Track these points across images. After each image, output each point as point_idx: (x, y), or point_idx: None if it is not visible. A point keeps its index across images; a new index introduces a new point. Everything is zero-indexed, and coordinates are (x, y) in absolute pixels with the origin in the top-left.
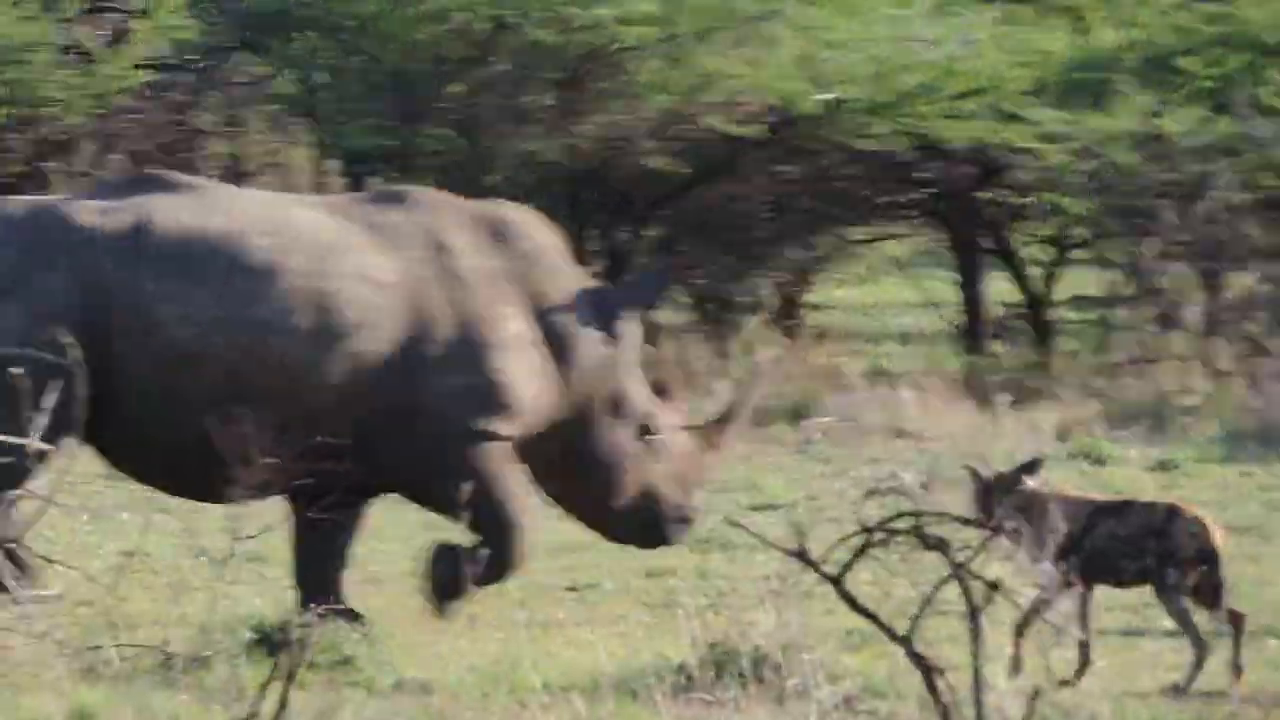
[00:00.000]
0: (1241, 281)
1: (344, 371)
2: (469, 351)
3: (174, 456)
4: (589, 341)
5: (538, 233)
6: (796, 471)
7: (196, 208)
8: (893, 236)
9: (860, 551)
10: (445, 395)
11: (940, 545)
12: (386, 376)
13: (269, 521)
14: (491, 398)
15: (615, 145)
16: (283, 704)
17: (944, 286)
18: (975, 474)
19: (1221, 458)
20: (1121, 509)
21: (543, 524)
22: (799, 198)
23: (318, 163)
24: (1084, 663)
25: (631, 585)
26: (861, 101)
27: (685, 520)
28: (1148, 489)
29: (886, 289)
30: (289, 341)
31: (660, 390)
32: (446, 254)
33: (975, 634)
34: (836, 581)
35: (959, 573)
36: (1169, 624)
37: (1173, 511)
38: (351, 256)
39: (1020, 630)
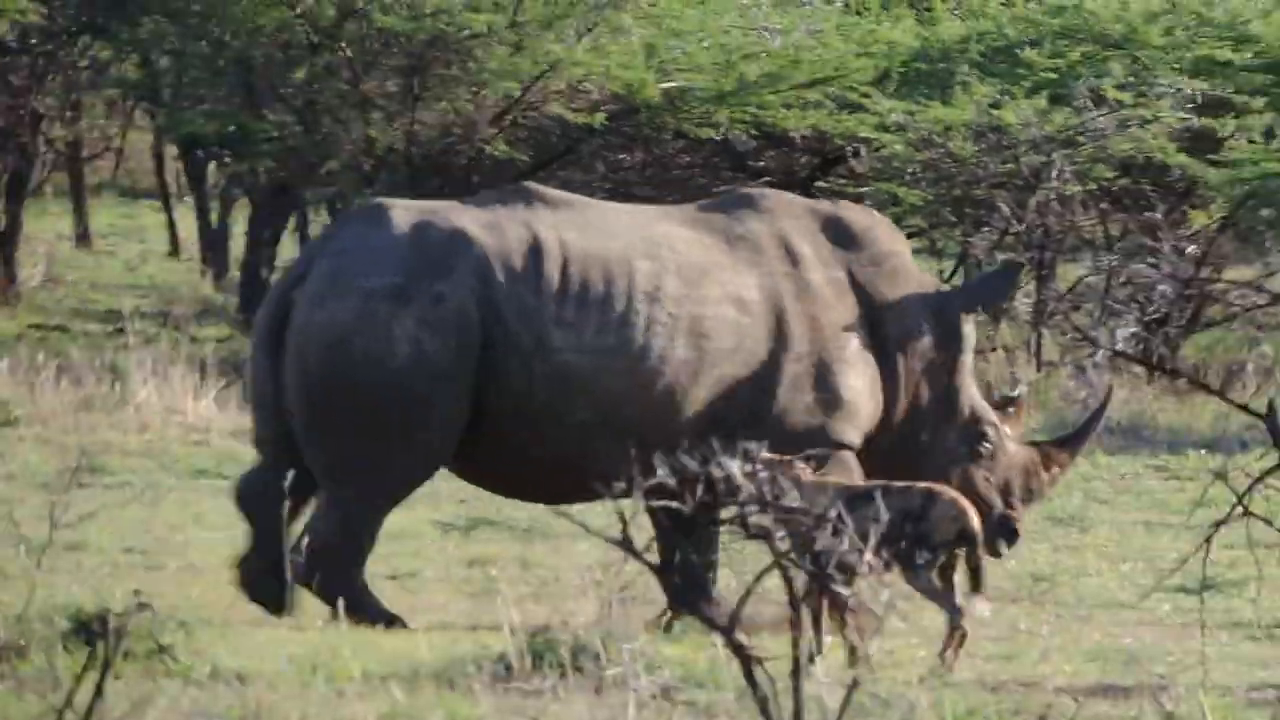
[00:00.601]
0: (1072, 273)
1: (713, 397)
2: (819, 367)
3: (545, 475)
4: (928, 344)
5: (881, 236)
6: None
7: (581, 227)
8: None
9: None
10: (795, 411)
11: (763, 534)
12: (746, 396)
13: (88, 510)
14: (838, 414)
15: (456, 132)
16: (98, 693)
17: None
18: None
19: None
20: (866, 496)
21: None
22: (637, 185)
23: (157, 147)
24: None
25: (452, 574)
26: (705, 90)
27: (1010, 532)
28: None
29: None
30: (669, 370)
31: (1008, 402)
32: (799, 264)
33: (795, 624)
34: (659, 571)
35: (781, 562)
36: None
37: (930, 495)
38: (720, 277)
39: (815, 616)
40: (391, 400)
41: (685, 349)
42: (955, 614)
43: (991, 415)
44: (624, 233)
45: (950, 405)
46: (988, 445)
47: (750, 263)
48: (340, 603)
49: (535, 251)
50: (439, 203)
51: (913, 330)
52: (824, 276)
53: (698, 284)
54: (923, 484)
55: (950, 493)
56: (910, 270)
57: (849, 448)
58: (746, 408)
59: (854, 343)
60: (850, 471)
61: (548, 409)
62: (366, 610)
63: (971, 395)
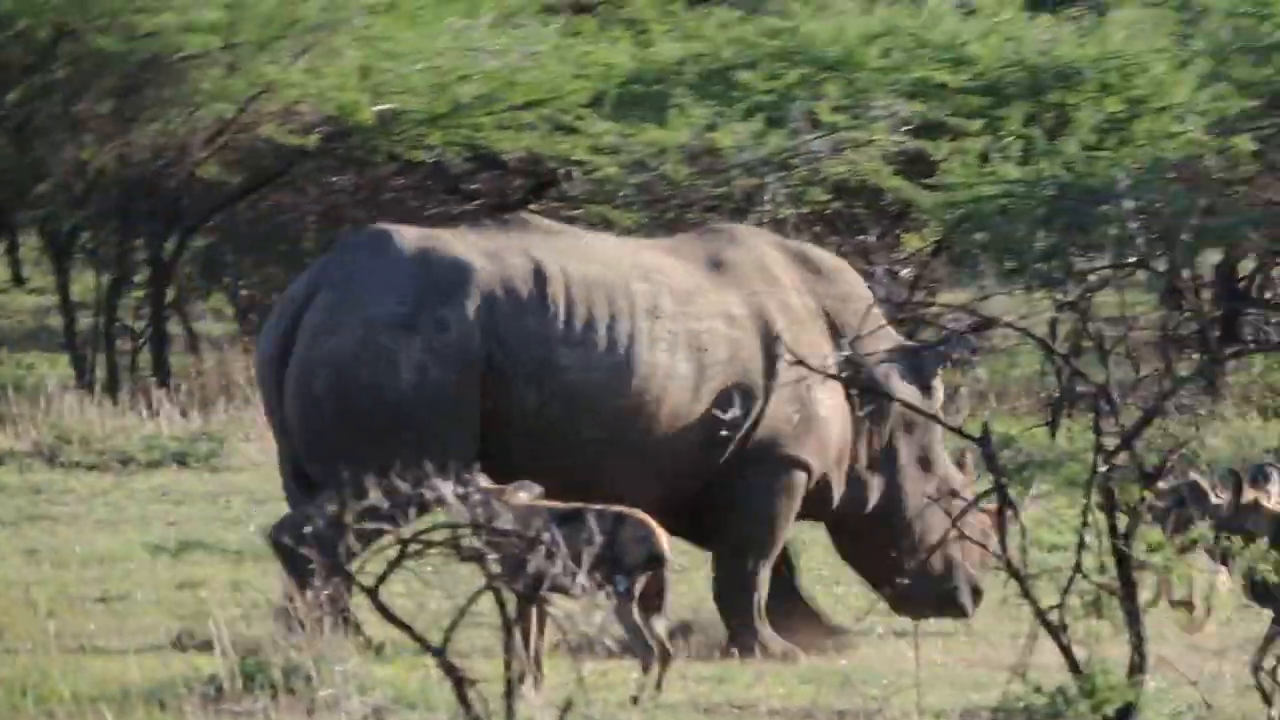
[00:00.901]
0: None
1: (710, 410)
2: (797, 385)
3: (557, 494)
4: (903, 395)
5: (850, 279)
6: None
7: (578, 254)
8: None
9: (395, 563)
10: (773, 425)
11: (476, 557)
12: (740, 406)
13: None
14: (810, 431)
15: (168, 154)
16: None
17: None
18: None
19: None
20: (575, 517)
21: (73, 536)
22: (349, 208)
23: None
24: (527, 675)
25: (163, 597)
26: (419, 112)
27: (978, 593)
28: None
29: None
30: (674, 385)
31: (956, 463)
32: (779, 289)
33: (508, 646)
34: (371, 593)
35: (494, 584)
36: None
37: (620, 518)
38: (709, 296)
39: (525, 636)
40: (398, 428)
41: (686, 363)
42: (646, 655)
43: (959, 474)
44: (616, 259)
45: (927, 461)
46: (961, 503)
47: (733, 284)
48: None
49: (538, 277)
50: (439, 230)
51: (888, 374)
52: (799, 301)
53: (690, 301)
54: (615, 507)
55: (639, 515)
56: (875, 313)
57: (806, 468)
58: (740, 417)
59: (826, 365)
60: (794, 496)
61: (557, 429)
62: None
63: (941, 452)
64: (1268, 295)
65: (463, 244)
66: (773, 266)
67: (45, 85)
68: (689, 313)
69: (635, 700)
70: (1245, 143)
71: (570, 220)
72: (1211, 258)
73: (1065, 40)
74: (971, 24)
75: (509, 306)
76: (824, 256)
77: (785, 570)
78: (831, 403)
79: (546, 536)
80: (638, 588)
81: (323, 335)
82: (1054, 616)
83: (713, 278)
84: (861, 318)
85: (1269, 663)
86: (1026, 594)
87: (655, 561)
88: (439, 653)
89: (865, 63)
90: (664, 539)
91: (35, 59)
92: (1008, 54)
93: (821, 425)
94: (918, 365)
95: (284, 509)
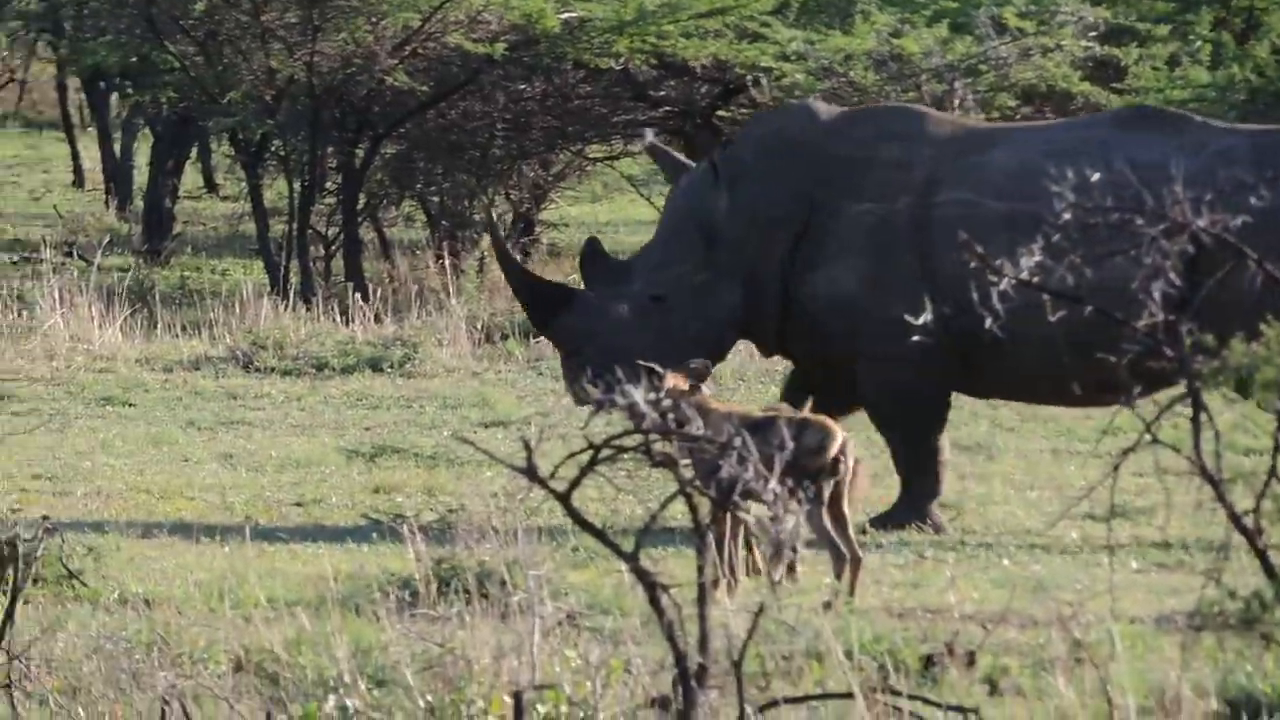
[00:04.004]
0: None
1: None
2: None
3: None
4: None
5: None
6: (527, 388)
7: None
8: (630, 155)
9: (588, 468)
10: None
11: (667, 462)
12: None
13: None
14: None
15: (356, 63)
16: (9, 618)
17: None
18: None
19: None
20: (767, 423)
21: (268, 441)
22: (537, 116)
23: (60, 78)
24: (721, 580)
25: (358, 500)
26: (605, 20)
27: None
28: None
29: (621, 206)
30: None
31: None
32: None
33: (701, 551)
34: (564, 498)
35: (686, 490)
36: (892, 539)
37: (803, 424)
38: None
39: (719, 542)
40: None
41: None
42: (839, 557)
43: None
44: None
45: None
46: None
47: None
48: None
49: None
50: None
51: None
52: None
53: None
54: (800, 413)
55: (821, 419)
56: None
57: None
58: None
59: None
60: None
61: None
62: None
63: None
64: None
65: None
66: None
67: None
68: None
69: (828, 605)
70: None
71: None
72: None
73: None
74: None
75: None
76: None
77: None
78: None
79: (738, 442)
80: (826, 492)
81: None
82: (1249, 521)
83: None
84: None
85: None
86: (1221, 499)
87: (837, 465)
88: (631, 558)
89: None
90: (845, 444)
91: None
92: None
93: None
94: None
95: (475, 414)
